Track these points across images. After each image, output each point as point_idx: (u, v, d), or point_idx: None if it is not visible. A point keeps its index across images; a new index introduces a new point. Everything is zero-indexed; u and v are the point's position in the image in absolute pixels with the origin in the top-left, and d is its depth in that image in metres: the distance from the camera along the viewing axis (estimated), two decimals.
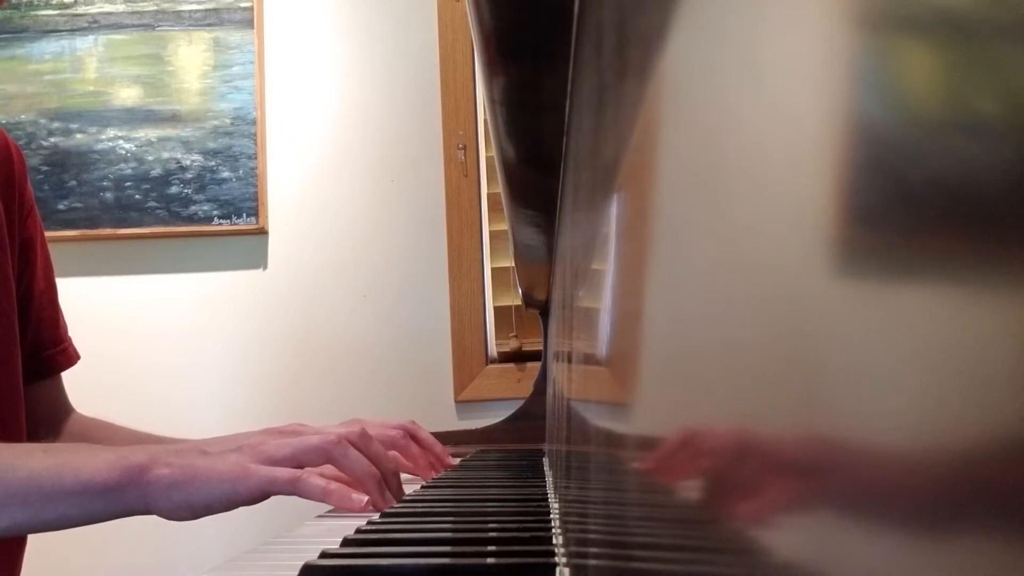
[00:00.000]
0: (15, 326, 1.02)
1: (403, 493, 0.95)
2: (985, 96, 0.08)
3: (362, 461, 0.88)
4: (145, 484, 0.79)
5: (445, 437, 1.48)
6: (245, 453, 0.84)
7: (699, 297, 0.20)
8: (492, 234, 2.26)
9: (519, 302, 1.96)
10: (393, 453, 1.26)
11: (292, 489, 0.81)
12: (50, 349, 1.10)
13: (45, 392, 1.11)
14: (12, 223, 1.04)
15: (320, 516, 0.95)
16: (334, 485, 0.82)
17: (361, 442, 0.89)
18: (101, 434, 1.11)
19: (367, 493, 0.87)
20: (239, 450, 0.84)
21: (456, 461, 1.36)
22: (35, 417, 1.08)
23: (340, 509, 0.85)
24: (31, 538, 1.05)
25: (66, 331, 1.14)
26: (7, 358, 1.00)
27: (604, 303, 0.41)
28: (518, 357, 2.21)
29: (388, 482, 0.91)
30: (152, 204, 2.27)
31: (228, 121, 2.28)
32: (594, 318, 0.47)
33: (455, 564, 0.64)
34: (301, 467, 0.84)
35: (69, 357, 1.13)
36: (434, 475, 1.29)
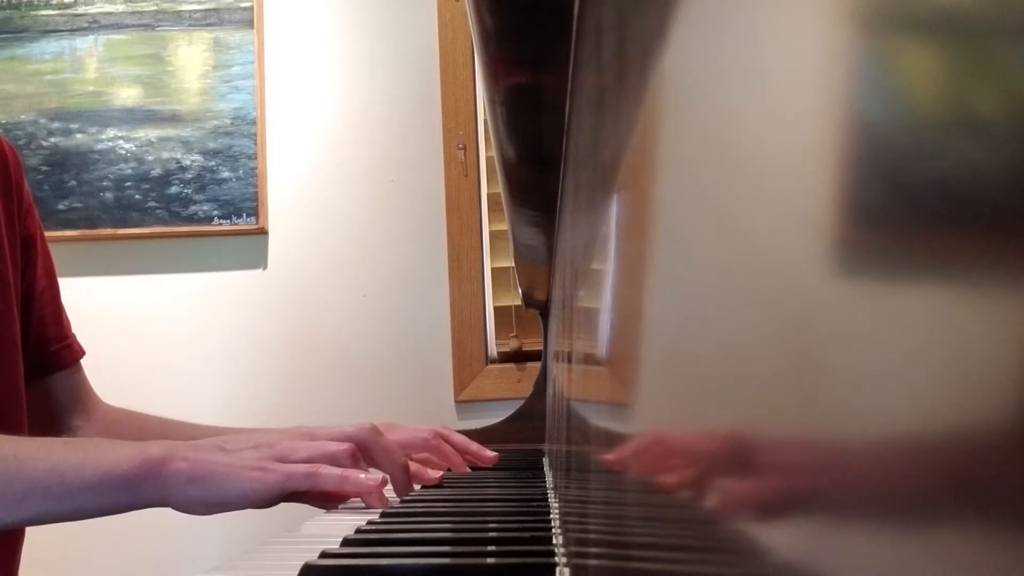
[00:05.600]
0: (14, 326, 1.02)
1: (411, 487, 0.99)
2: (985, 96, 0.08)
3: (370, 472, 0.91)
4: (163, 478, 0.81)
5: None
6: (262, 452, 0.86)
7: (699, 297, 0.20)
8: (492, 234, 2.26)
9: (519, 302, 1.96)
10: (425, 455, 1.30)
11: (310, 483, 0.84)
12: (55, 345, 1.11)
13: (59, 386, 1.12)
14: (11, 223, 1.04)
15: (320, 516, 0.95)
16: (350, 472, 0.87)
17: (371, 438, 0.93)
18: (132, 423, 1.14)
19: (370, 498, 0.91)
20: (256, 448, 0.86)
21: (495, 455, 1.36)
22: (54, 410, 1.10)
23: (358, 495, 0.89)
24: (29, 535, 1.05)
25: (69, 327, 1.14)
26: (6, 358, 1.00)
27: (604, 303, 0.41)
28: (518, 357, 2.21)
29: (395, 478, 0.96)
30: (152, 204, 2.27)
31: (228, 121, 2.28)
32: (594, 318, 0.47)
33: (455, 564, 0.64)
34: (311, 463, 0.87)
35: (75, 352, 1.14)
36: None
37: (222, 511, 0.84)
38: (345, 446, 0.89)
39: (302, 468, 0.84)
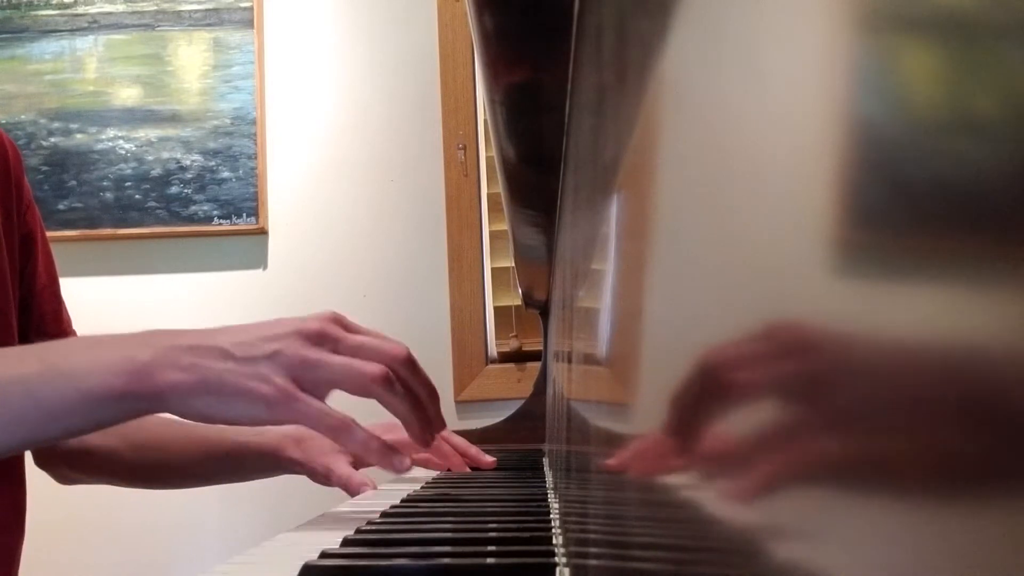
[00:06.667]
0: (11, 324, 1.01)
1: (444, 423, 0.86)
2: (985, 96, 0.08)
3: (404, 404, 0.78)
4: (157, 391, 0.72)
5: None
6: (279, 365, 0.74)
7: (699, 297, 0.20)
8: (492, 234, 2.26)
9: (519, 302, 1.96)
10: (425, 455, 1.29)
11: (333, 436, 0.75)
12: None
13: None
14: (10, 220, 1.03)
15: (321, 515, 0.95)
16: (376, 444, 0.76)
17: (405, 370, 0.79)
18: (131, 423, 1.06)
19: (410, 431, 0.80)
20: (271, 359, 0.74)
21: (493, 459, 1.36)
22: None
23: (379, 467, 0.79)
24: (29, 536, 1.05)
25: (70, 325, 1.14)
26: None
27: (604, 303, 0.41)
28: (518, 357, 2.21)
29: (430, 411, 0.82)
30: (152, 204, 2.27)
31: (228, 121, 2.28)
32: (594, 318, 0.47)
33: (455, 564, 0.64)
34: (336, 385, 0.77)
35: None
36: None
37: (227, 424, 0.75)
38: (378, 369, 0.75)
39: (328, 419, 0.73)
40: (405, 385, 0.78)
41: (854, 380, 0.11)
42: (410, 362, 0.80)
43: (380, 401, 0.77)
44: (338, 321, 0.80)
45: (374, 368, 0.76)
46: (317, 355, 0.75)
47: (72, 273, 2.15)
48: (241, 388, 0.72)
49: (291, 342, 0.76)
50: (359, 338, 0.79)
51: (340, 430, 0.74)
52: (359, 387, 0.76)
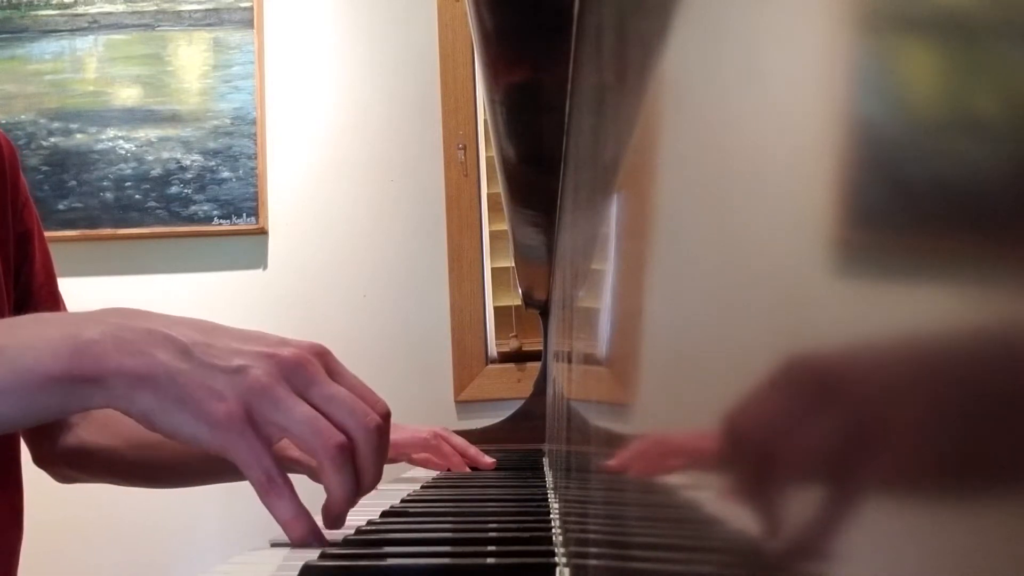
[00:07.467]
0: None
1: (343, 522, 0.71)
2: (985, 96, 0.08)
3: (343, 489, 0.67)
4: (99, 375, 0.62)
5: None
6: (236, 385, 0.64)
7: (699, 297, 0.20)
8: (492, 234, 2.26)
9: (519, 302, 1.96)
10: (425, 455, 1.29)
11: (260, 491, 0.65)
12: None
13: None
14: (5, 218, 1.03)
15: (319, 517, 0.95)
16: (301, 523, 0.66)
17: (369, 443, 0.68)
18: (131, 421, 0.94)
19: (327, 508, 0.69)
20: (232, 375, 0.64)
21: (493, 460, 1.36)
22: None
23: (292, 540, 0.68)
24: (28, 536, 1.05)
25: None
26: None
27: (604, 303, 0.41)
28: (518, 357, 2.21)
29: (364, 491, 0.71)
30: (152, 204, 2.27)
31: (228, 121, 2.28)
32: (594, 318, 0.47)
33: (455, 564, 0.64)
34: (289, 436, 0.66)
35: None
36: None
37: (165, 435, 0.64)
38: (337, 440, 0.65)
39: (263, 472, 0.64)
40: (357, 464, 0.67)
41: (853, 379, 0.11)
42: (380, 431, 0.69)
43: (321, 473, 0.67)
44: (322, 357, 0.70)
45: (334, 437, 0.65)
46: (283, 393, 0.65)
47: (72, 273, 2.15)
48: (190, 397, 0.63)
49: (261, 363, 0.65)
50: (334, 388, 0.68)
51: (269, 489, 0.64)
52: (310, 448, 0.65)
